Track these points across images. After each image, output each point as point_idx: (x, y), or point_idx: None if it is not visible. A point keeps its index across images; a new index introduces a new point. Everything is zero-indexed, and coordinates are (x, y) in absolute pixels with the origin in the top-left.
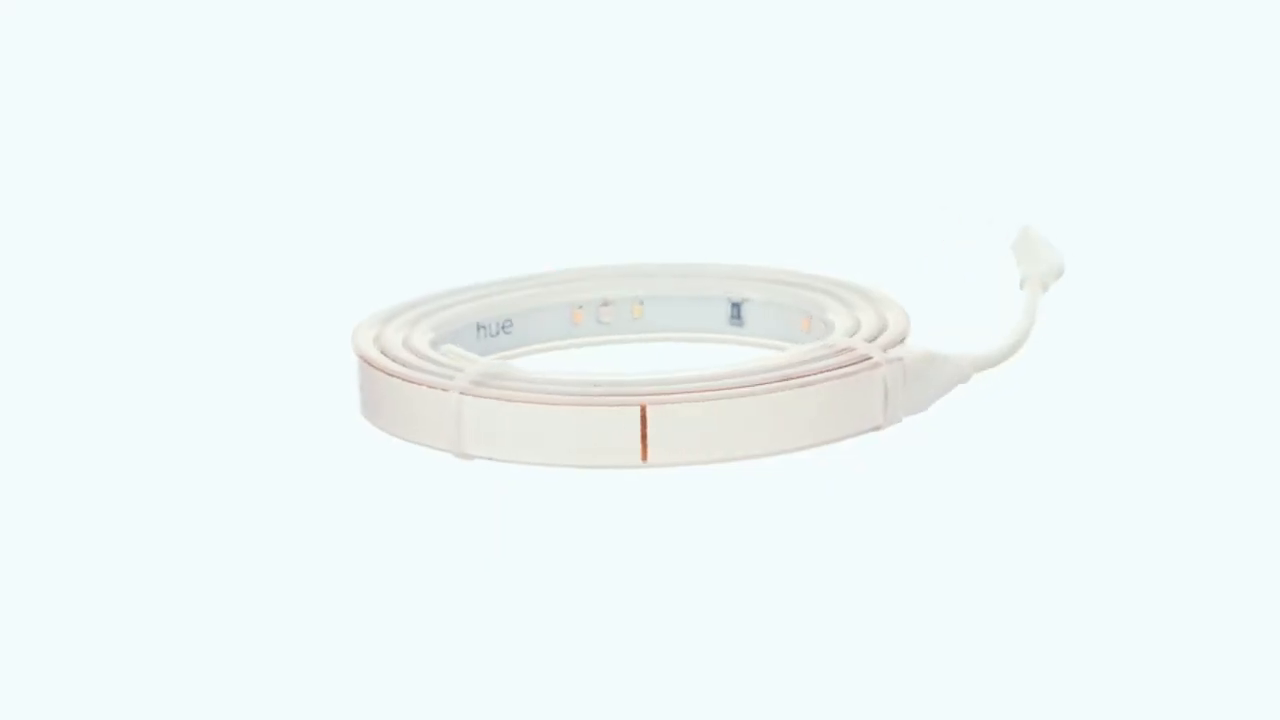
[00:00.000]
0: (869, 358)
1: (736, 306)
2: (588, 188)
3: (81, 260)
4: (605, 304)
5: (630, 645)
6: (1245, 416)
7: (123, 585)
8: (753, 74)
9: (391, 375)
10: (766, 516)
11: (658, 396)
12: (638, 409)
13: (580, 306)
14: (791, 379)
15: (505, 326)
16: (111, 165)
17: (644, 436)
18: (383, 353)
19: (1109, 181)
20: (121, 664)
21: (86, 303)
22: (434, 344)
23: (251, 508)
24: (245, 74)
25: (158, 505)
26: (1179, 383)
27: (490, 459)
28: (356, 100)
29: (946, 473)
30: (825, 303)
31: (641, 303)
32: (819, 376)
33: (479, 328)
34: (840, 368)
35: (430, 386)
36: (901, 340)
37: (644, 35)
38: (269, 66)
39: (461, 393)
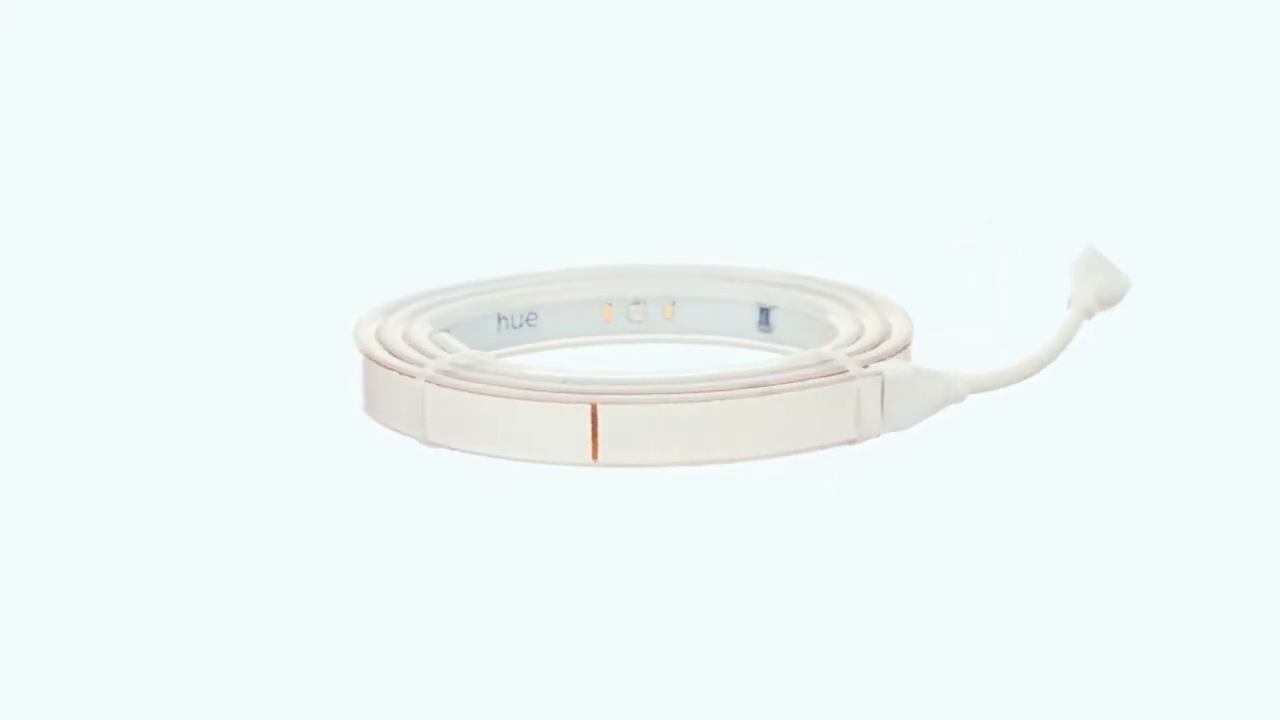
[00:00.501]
0: (844, 370)
1: (765, 312)
2: (623, 187)
3: (82, 258)
4: (636, 302)
5: (553, 645)
6: (1241, 445)
7: (123, 579)
8: (790, 76)
9: (376, 363)
10: (714, 523)
11: (609, 396)
12: (589, 408)
13: (611, 303)
14: (753, 387)
15: (529, 319)
16: (113, 164)
17: (595, 436)
18: (379, 343)
19: (1110, 182)
20: (122, 658)
21: (88, 300)
22: (436, 334)
23: (253, 500)
24: (254, 73)
25: (159, 501)
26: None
27: (451, 449)
28: (391, 96)
29: (911, 493)
30: (829, 307)
31: (674, 303)
32: (784, 386)
33: (499, 319)
34: (809, 379)
35: (401, 374)
36: (898, 351)
37: (684, 42)
38: (280, 65)
39: (427, 380)
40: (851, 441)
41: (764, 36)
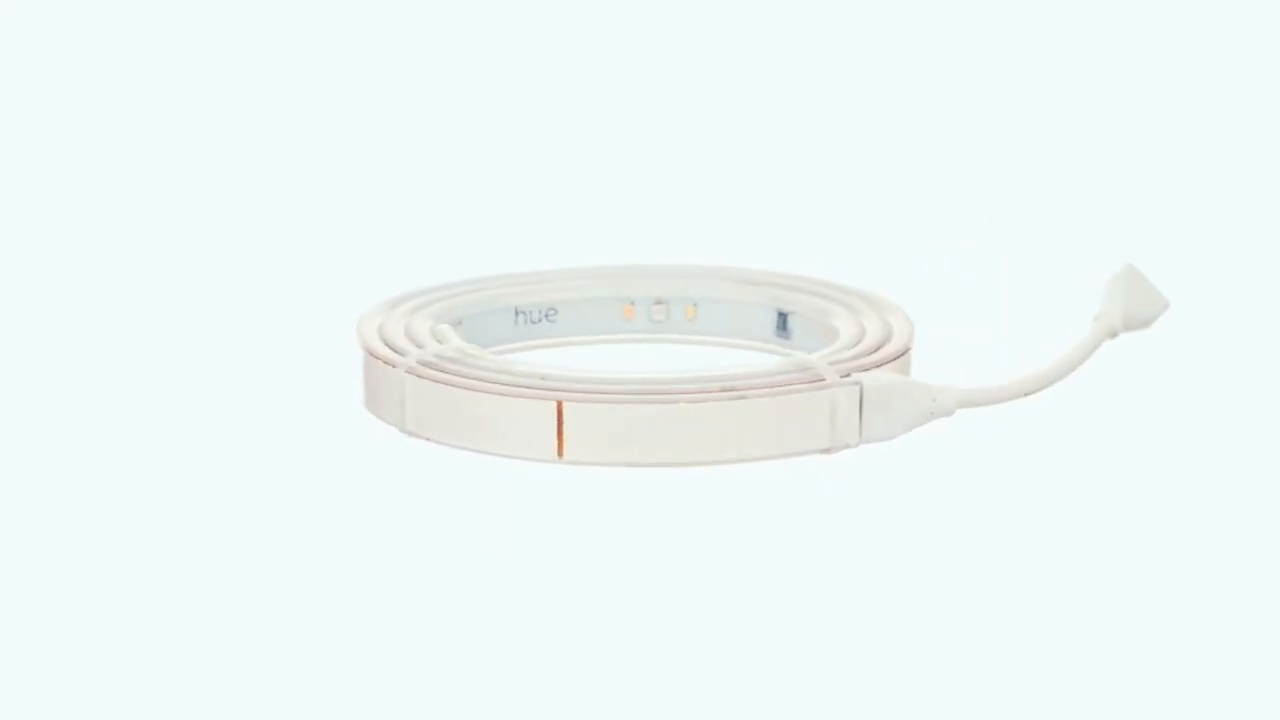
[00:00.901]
0: (821, 378)
1: (783, 317)
2: (643, 186)
3: (84, 256)
4: (659, 302)
5: (497, 641)
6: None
7: (125, 574)
8: (807, 80)
9: (369, 354)
10: (673, 526)
11: (576, 394)
12: (554, 405)
13: (633, 302)
14: (724, 391)
15: (549, 315)
16: (116, 162)
17: (560, 433)
18: (379, 334)
19: (1112, 185)
20: (123, 652)
21: (90, 297)
22: (437, 326)
23: (243, 488)
24: (271, 72)
25: (161, 497)
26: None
27: (427, 440)
28: (418, 92)
29: (880, 505)
30: (832, 309)
31: (695, 305)
32: (755, 391)
33: (517, 313)
34: (782, 385)
35: (386, 363)
36: (897, 356)
37: (711, 44)
38: (300, 64)
39: (407, 371)
40: (827, 450)
41: (782, 44)
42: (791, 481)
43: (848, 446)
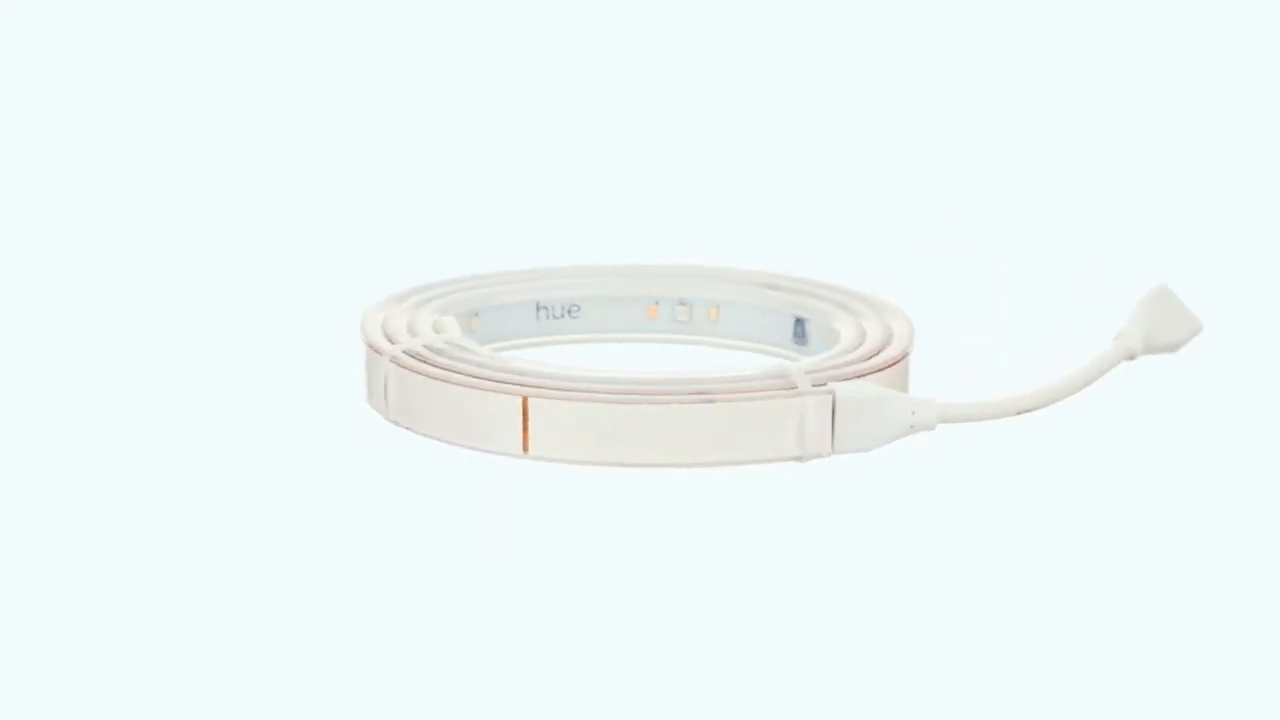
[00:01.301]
0: (793, 386)
1: (801, 323)
2: (667, 185)
3: (86, 253)
4: (682, 304)
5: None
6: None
7: (128, 569)
8: (819, 84)
9: (367, 345)
10: (632, 526)
11: (541, 390)
12: (520, 400)
13: (657, 302)
14: (693, 394)
15: (571, 310)
16: (122, 161)
17: (525, 428)
18: (381, 326)
19: (1111, 187)
20: (124, 647)
21: (93, 295)
22: (442, 318)
23: (243, 479)
24: (286, 71)
25: (165, 493)
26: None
27: (409, 430)
28: (447, 90)
29: (845, 517)
30: (832, 312)
31: (718, 307)
32: (724, 396)
33: (538, 308)
34: (752, 391)
35: (377, 351)
36: (895, 361)
37: (731, 48)
38: (298, 65)
39: (391, 359)
40: (798, 459)
41: (796, 48)
42: (759, 489)
43: (819, 456)
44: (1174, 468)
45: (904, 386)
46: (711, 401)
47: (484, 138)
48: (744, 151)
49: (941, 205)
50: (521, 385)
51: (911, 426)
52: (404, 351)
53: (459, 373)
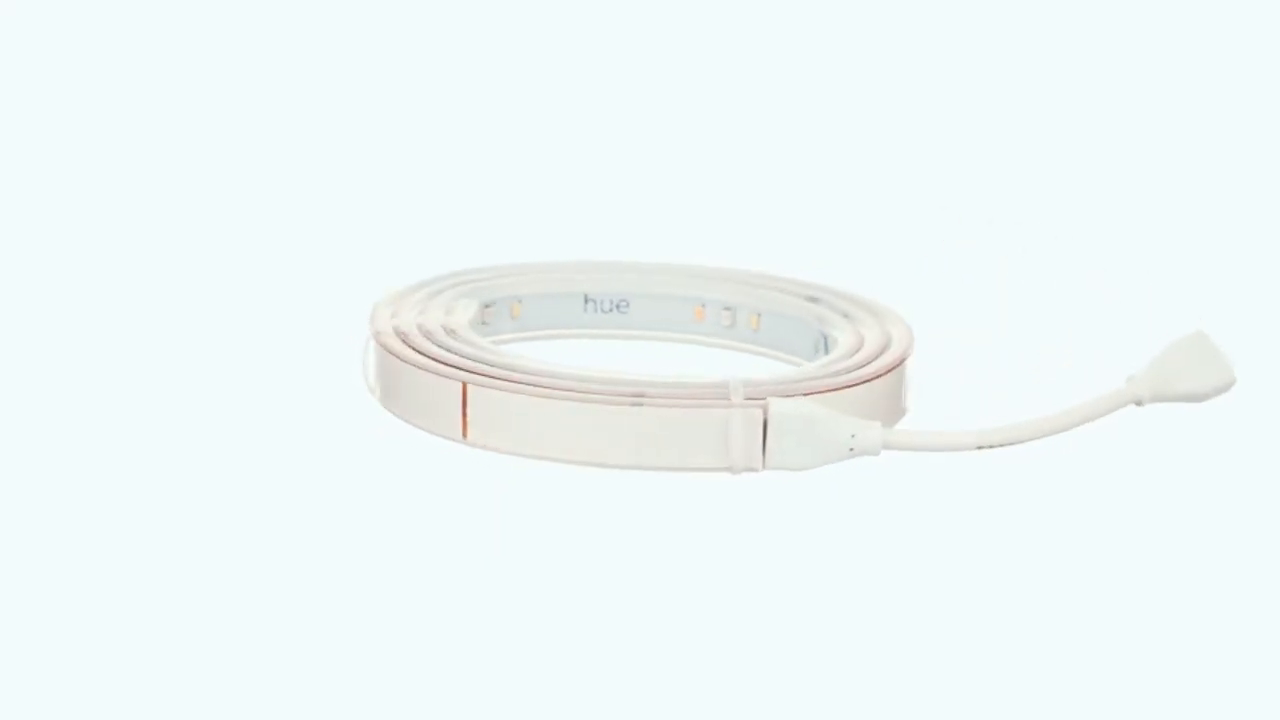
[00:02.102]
0: (725, 397)
1: (826, 339)
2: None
3: (89, 252)
4: (727, 308)
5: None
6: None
7: (132, 565)
8: (830, 85)
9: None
10: (553, 521)
11: (480, 378)
12: (460, 386)
13: (704, 305)
14: (626, 396)
15: (620, 305)
16: (128, 160)
17: (464, 414)
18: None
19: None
20: (118, 637)
21: (97, 292)
22: (460, 300)
23: (270, 482)
24: (279, 71)
25: (169, 491)
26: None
27: (384, 409)
28: (459, 91)
29: (761, 534)
30: (828, 317)
31: (759, 315)
32: (657, 402)
33: (586, 300)
34: (685, 398)
35: (373, 328)
36: (893, 367)
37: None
38: (306, 64)
39: (371, 336)
40: (730, 470)
41: (810, 53)
42: (686, 496)
43: (750, 470)
44: (1132, 519)
45: (900, 395)
46: (641, 405)
47: (536, 131)
48: (773, 152)
49: (948, 209)
50: (462, 371)
51: (851, 450)
52: (394, 330)
53: (416, 352)
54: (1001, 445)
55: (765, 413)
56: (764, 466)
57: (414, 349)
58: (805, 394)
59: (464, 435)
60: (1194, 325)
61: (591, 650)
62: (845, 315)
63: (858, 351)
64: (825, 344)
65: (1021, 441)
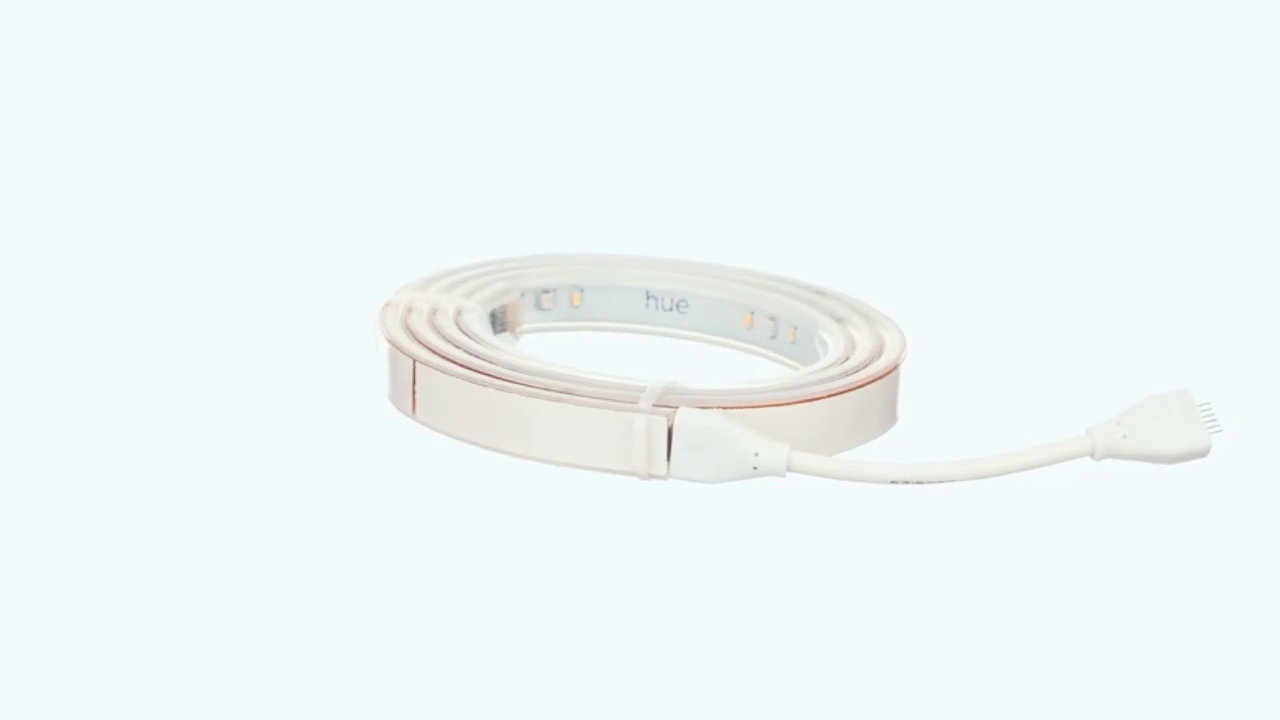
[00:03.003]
0: (634, 400)
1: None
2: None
3: (91, 253)
4: (773, 318)
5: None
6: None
7: (136, 562)
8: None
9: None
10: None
11: (425, 357)
12: (411, 364)
13: (753, 312)
14: (549, 390)
15: (680, 305)
16: (134, 160)
17: (414, 390)
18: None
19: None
20: (136, 632)
21: (100, 291)
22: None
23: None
24: (286, 70)
25: (174, 489)
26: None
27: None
28: (491, 89)
29: (651, 539)
30: (821, 321)
31: (795, 329)
32: (574, 399)
33: (648, 296)
34: (599, 398)
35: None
36: (882, 373)
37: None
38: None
39: (379, 313)
40: (641, 475)
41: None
42: (585, 495)
43: (656, 477)
44: (1040, 573)
45: (893, 402)
46: (558, 401)
47: (606, 126)
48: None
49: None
50: (412, 354)
51: (755, 469)
52: (404, 305)
53: (391, 331)
54: (920, 483)
55: (670, 422)
56: (669, 475)
57: (406, 327)
58: (740, 407)
59: (414, 412)
60: (1181, 383)
61: (419, 634)
62: (839, 319)
63: (846, 360)
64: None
65: (942, 481)
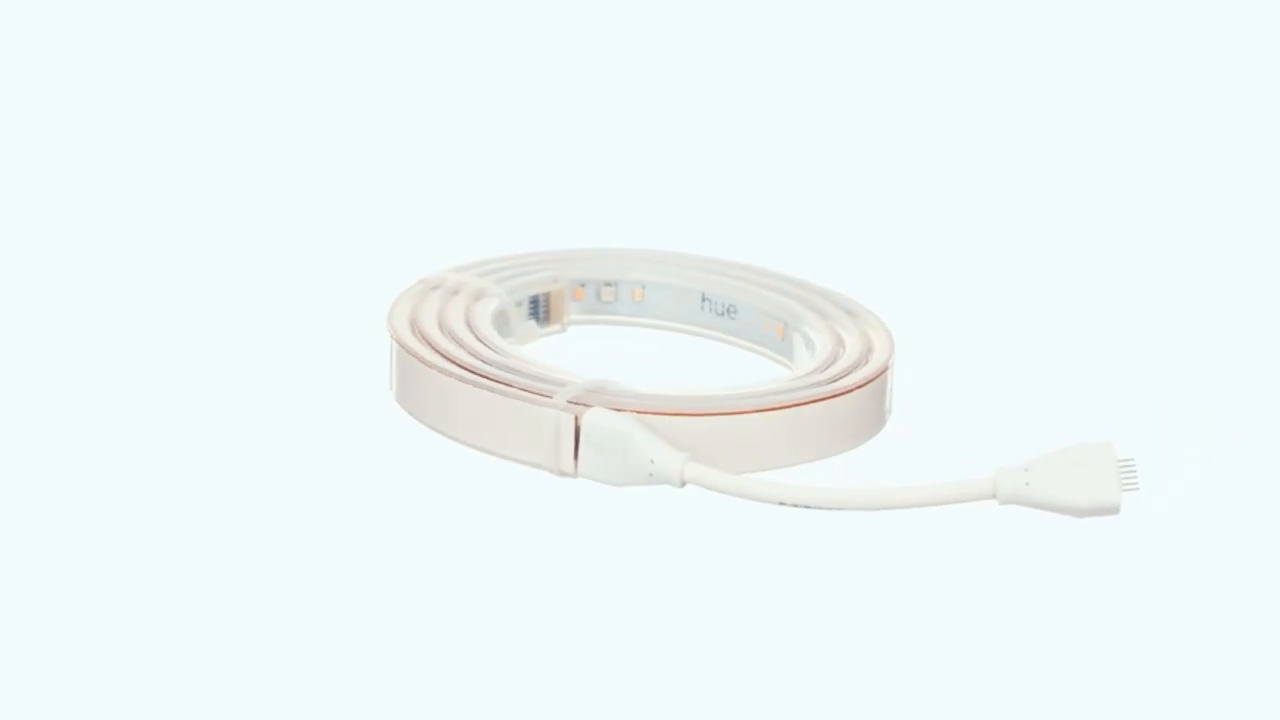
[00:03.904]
0: (549, 395)
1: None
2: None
3: (94, 253)
4: (797, 331)
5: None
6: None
7: (139, 560)
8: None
9: None
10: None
11: (401, 347)
12: (395, 346)
13: (785, 324)
14: (478, 376)
15: (730, 311)
16: (137, 160)
17: (393, 374)
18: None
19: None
20: (126, 642)
21: (106, 291)
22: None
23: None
24: (290, 70)
25: (175, 489)
26: None
27: None
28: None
29: (549, 538)
30: (813, 319)
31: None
32: (498, 387)
33: (704, 298)
34: (520, 390)
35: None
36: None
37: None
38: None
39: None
40: (553, 472)
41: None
42: (509, 487)
43: (566, 475)
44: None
45: (881, 404)
46: (486, 390)
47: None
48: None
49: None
50: (392, 338)
51: (650, 476)
52: (432, 285)
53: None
54: (809, 508)
55: (578, 421)
56: (577, 474)
57: (410, 313)
58: (653, 413)
59: (393, 390)
60: (1105, 434)
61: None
62: (823, 316)
63: (833, 365)
64: None
65: (834, 509)
